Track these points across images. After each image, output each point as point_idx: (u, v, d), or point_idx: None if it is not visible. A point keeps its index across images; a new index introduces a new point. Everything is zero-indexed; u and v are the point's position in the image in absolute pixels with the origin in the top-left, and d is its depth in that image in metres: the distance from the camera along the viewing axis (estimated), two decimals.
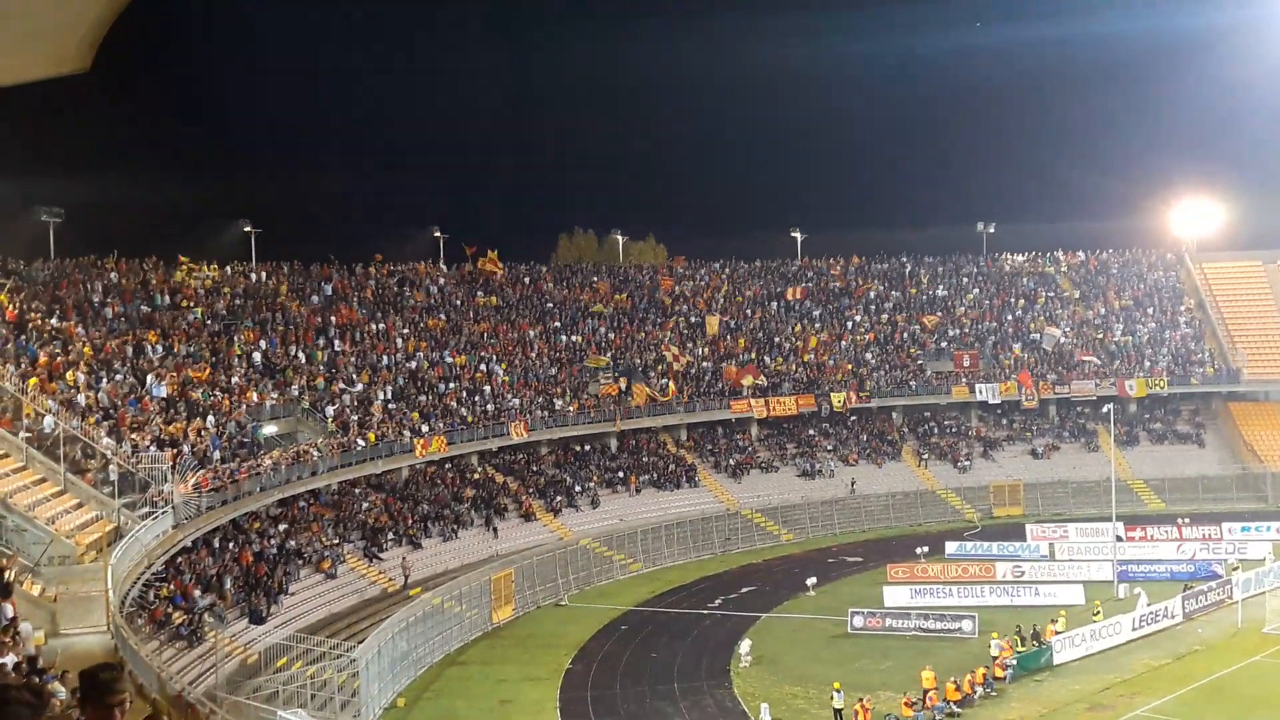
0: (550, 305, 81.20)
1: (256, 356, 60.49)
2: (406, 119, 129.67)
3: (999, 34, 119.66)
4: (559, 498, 67.13)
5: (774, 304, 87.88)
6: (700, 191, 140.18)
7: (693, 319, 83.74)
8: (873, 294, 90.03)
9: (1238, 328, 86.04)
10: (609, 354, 77.67)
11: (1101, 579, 56.38)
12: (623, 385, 74.16)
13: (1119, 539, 60.88)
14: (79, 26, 14.73)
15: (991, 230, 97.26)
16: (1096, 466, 75.78)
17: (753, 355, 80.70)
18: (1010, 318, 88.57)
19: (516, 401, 68.80)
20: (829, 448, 78.21)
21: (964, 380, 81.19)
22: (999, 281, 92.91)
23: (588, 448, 72.17)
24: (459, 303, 77.66)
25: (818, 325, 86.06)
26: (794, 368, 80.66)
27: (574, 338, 78.10)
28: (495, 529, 62.52)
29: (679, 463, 73.83)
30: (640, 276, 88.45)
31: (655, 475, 72.07)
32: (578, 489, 68.44)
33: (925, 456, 78.62)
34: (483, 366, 70.88)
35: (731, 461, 75.03)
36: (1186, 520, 66.68)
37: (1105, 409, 64.69)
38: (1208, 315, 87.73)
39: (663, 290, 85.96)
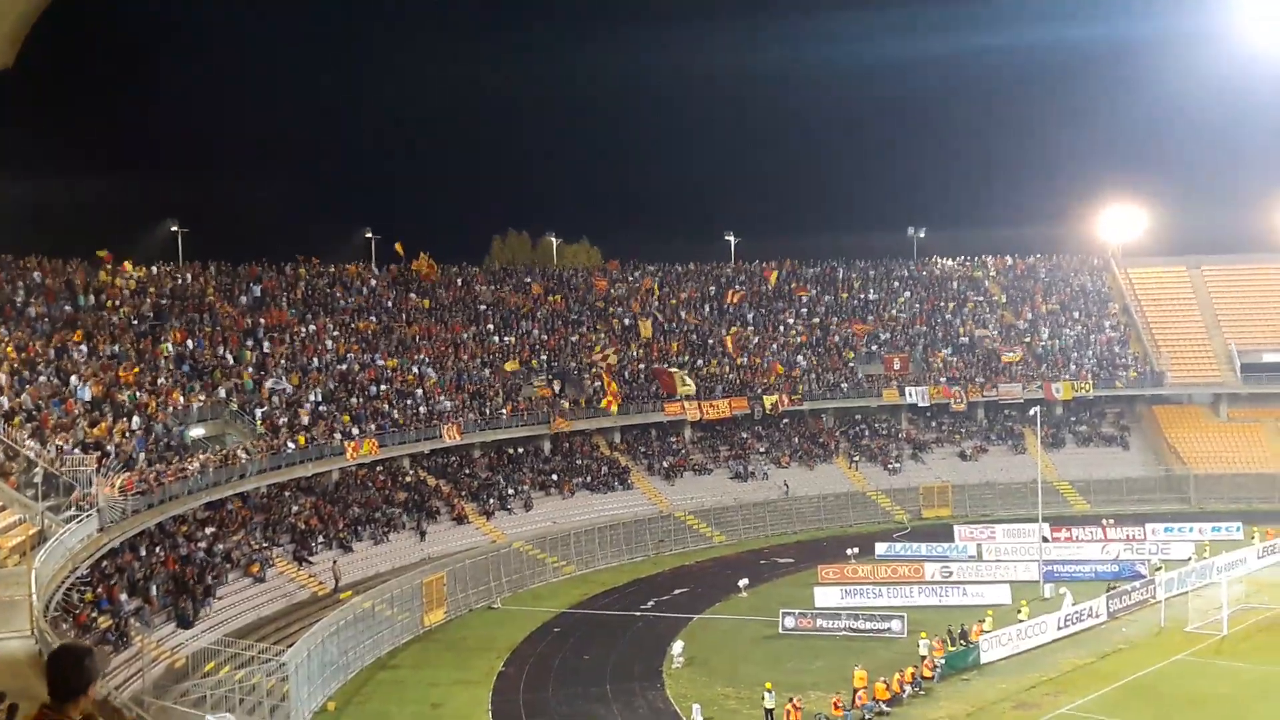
0: (483, 307, 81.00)
1: (183, 358, 59.89)
2: (340, 118, 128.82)
3: (932, 42, 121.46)
4: (492, 500, 67.04)
5: (707, 307, 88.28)
6: (635, 195, 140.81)
7: (626, 321, 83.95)
8: (805, 297, 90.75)
9: (1162, 332, 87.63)
10: (544, 354, 77.74)
11: (1028, 579, 57.17)
12: (556, 388, 74.13)
13: (1045, 540, 61.73)
14: (2, 24, 14.70)
15: (922, 235, 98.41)
16: (1023, 468, 76.75)
17: (685, 358, 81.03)
18: (940, 321, 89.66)
19: (449, 404, 68.63)
20: (762, 450, 78.63)
21: (894, 383, 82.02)
22: (929, 285, 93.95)
23: (521, 450, 72.09)
24: (391, 304, 77.34)
25: (750, 328, 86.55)
26: (727, 370, 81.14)
27: (507, 339, 77.96)
28: (423, 532, 62.30)
29: (612, 465, 73.92)
30: (574, 279, 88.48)
31: (589, 478, 72.12)
32: (511, 492, 68.33)
33: (856, 458, 79.31)
34: (415, 369, 70.62)
35: (665, 464, 75.28)
36: (1111, 521, 67.75)
37: (1032, 412, 65.24)
38: (1133, 320, 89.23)
39: (596, 292, 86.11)
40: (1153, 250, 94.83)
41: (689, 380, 77.43)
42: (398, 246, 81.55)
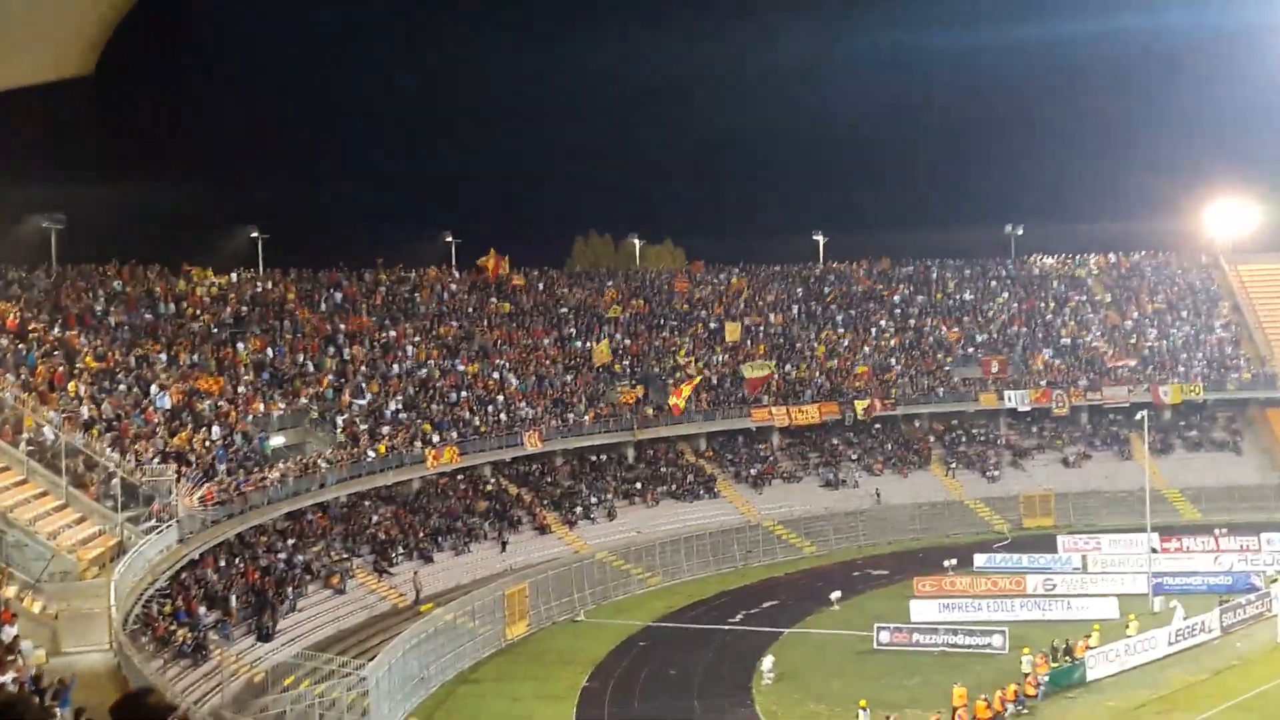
0: (565, 310, 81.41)
1: (263, 365, 60.73)
2: (417, 121, 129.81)
3: (1027, 30, 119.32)
4: (574, 510, 67.21)
5: (795, 308, 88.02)
6: (719, 194, 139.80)
7: (711, 325, 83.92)
8: (898, 298, 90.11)
9: (1276, 331, 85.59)
10: (627, 359, 77.92)
11: (1136, 592, 56.08)
12: (640, 393, 74.16)
13: (1154, 550, 60.55)
14: (83, 29, 14.76)
15: (1020, 232, 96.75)
16: (1130, 475, 74.76)
17: (773, 361, 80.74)
18: (1040, 322, 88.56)
19: (530, 410, 68.89)
20: (853, 457, 78.11)
21: (992, 387, 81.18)
22: (1028, 285, 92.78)
23: (604, 458, 72.22)
24: (471, 309, 77.87)
25: (841, 330, 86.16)
26: (816, 374, 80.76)
27: (589, 344, 78.31)
28: (505, 542, 62.58)
29: (698, 473, 73.86)
30: (658, 281, 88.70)
31: (673, 486, 72.09)
32: (593, 500, 68.47)
33: (953, 466, 78.54)
34: (495, 375, 71.02)
35: (752, 472, 75.04)
36: (1224, 531, 66.23)
37: (1138, 416, 64.24)
38: (1244, 319, 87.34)
39: (679, 295, 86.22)
40: (1265, 246, 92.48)
41: (763, 365, 77.70)
42: (486, 262, 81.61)
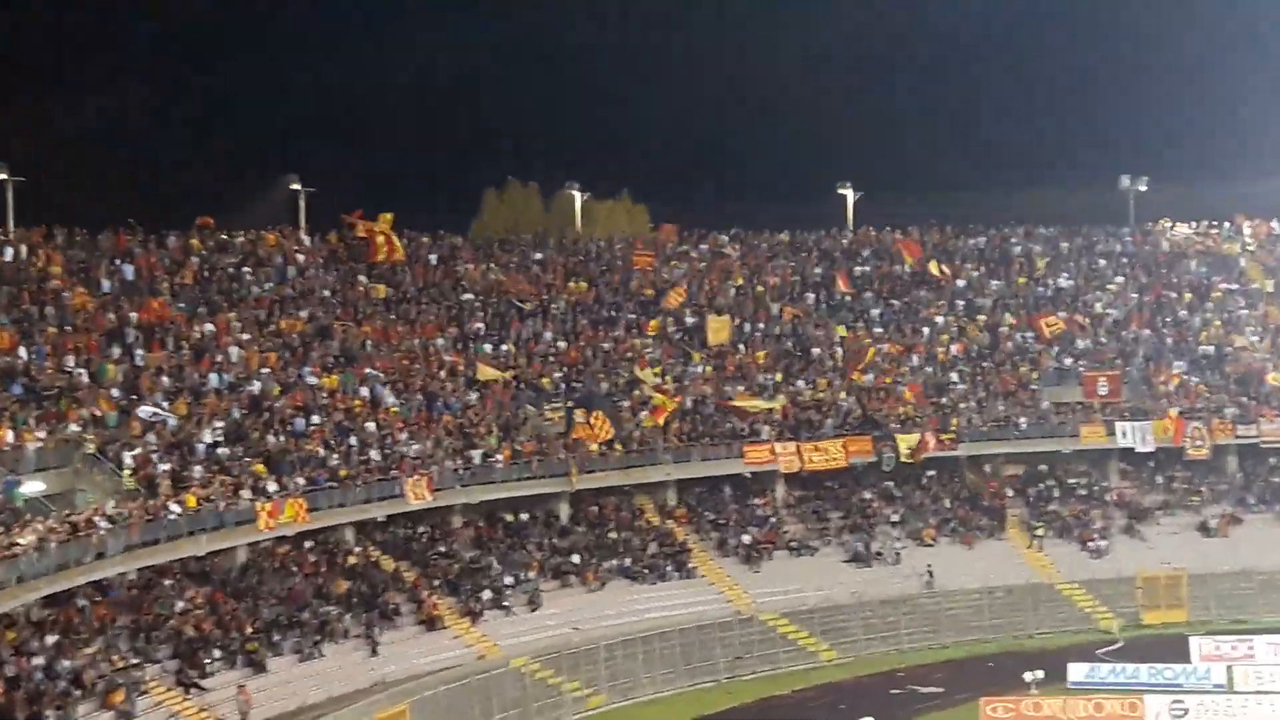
0: (470, 297, 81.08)
1: (12, 374, 59.93)
2: (249, 18, 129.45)
3: None
4: (480, 594, 66.81)
5: (811, 297, 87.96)
6: (700, 132, 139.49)
7: (688, 319, 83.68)
8: (962, 283, 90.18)
9: None
10: (561, 368, 77.68)
11: None
12: (586, 421, 73.77)
13: None
14: None
15: (1142, 188, 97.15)
16: None
17: (778, 375, 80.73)
18: (1170, 320, 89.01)
19: (416, 446, 68.58)
20: (894, 518, 78.18)
21: (1100, 416, 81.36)
22: (1153, 265, 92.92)
23: (525, 517, 71.93)
24: (329, 292, 77.39)
25: (879, 330, 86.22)
26: (841, 395, 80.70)
27: (505, 347, 77.89)
28: (376, 643, 62.02)
29: (664, 540, 73.67)
30: (608, 255, 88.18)
31: (628, 560, 71.76)
32: (509, 581, 68.06)
33: (1040, 532, 78.62)
34: (365, 391, 70.66)
35: (744, 539, 74.82)
36: None
37: None
38: None
39: (640, 274, 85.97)
40: None
41: (768, 400, 77.91)
42: (350, 220, 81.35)
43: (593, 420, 73.12)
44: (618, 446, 73.65)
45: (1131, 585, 75.91)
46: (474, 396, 74.01)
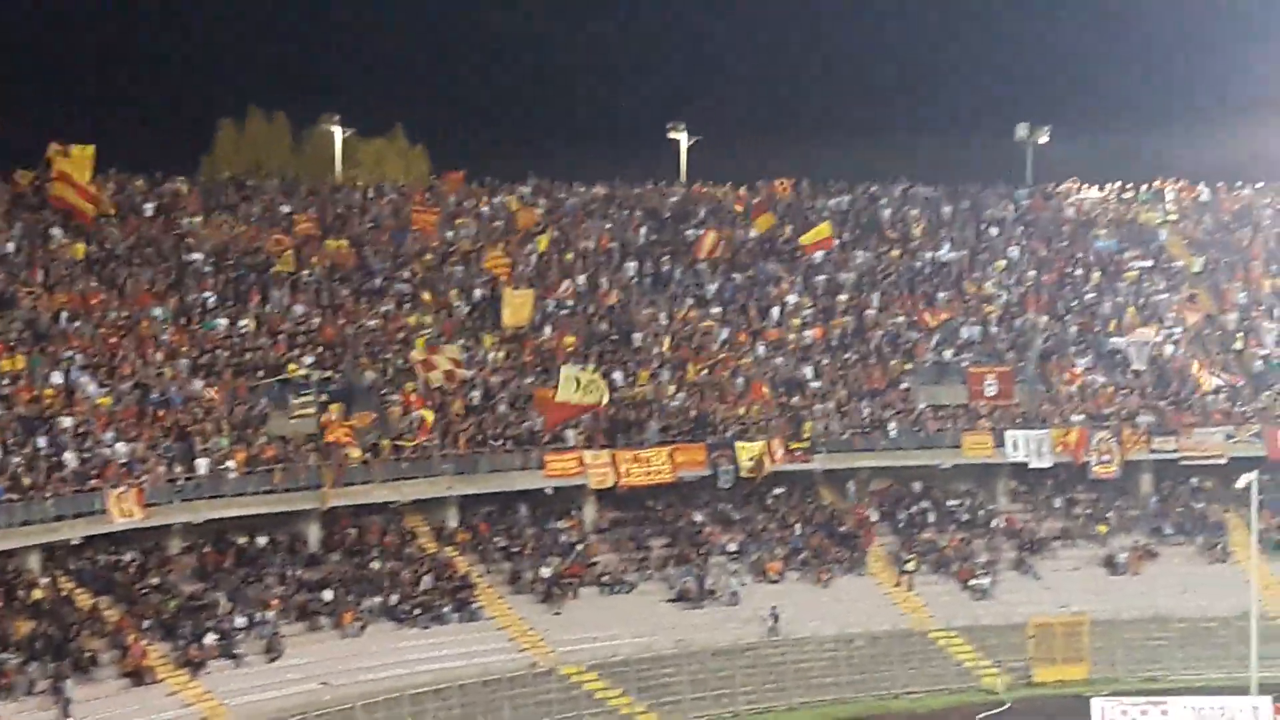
0: (197, 259, 79.73)
1: None
2: None
3: None
4: (202, 639, 65.48)
5: (632, 266, 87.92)
6: (495, 56, 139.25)
7: (477, 292, 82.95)
8: (821, 254, 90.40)
9: None
10: (314, 351, 76.49)
11: None
12: (338, 417, 72.80)
13: None
14: None
15: (1043, 140, 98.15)
16: (1224, 590, 76.92)
17: (592, 364, 79.96)
18: (1074, 303, 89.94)
19: (124, 448, 67.19)
20: (731, 548, 78.14)
21: (986, 422, 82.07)
22: (1053, 235, 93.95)
23: (264, 541, 71.00)
24: (13, 248, 76.09)
25: (716, 310, 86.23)
26: (669, 392, 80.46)
27: (244, 323, 76.70)
28: (67, 700, 60.25)
29: (442, 573, 73.00)
30: (377, 207, 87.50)
31: (395, 598, 70.97)
32: (241, 623, 66.95)
33: (911, 567, 78.92)
34: (58, 377, 69.22)
35: (544, 572, 74.36)
36: None
37: (1243, 483, 65.38)
38: None
39: (417, 233, 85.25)
40: None
41: (590, 380, 76.09)
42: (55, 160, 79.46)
43: (355, 420, 72.60)
44: (384, 451, 72.90)
45: (1022, 634, 76.12)
46: (199, 385, 72.66)
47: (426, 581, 72.06)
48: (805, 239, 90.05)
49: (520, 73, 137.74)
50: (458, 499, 75.57)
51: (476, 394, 77.59)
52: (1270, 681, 66.37)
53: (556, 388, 75.29)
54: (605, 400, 76.33)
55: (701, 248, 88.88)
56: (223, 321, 76.71)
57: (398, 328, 79.57)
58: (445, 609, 71.45)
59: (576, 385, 74.84)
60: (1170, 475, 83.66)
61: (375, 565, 72.12)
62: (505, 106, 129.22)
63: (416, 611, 70.91)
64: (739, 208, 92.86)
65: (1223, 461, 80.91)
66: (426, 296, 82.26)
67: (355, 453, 72.04)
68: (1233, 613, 73.67)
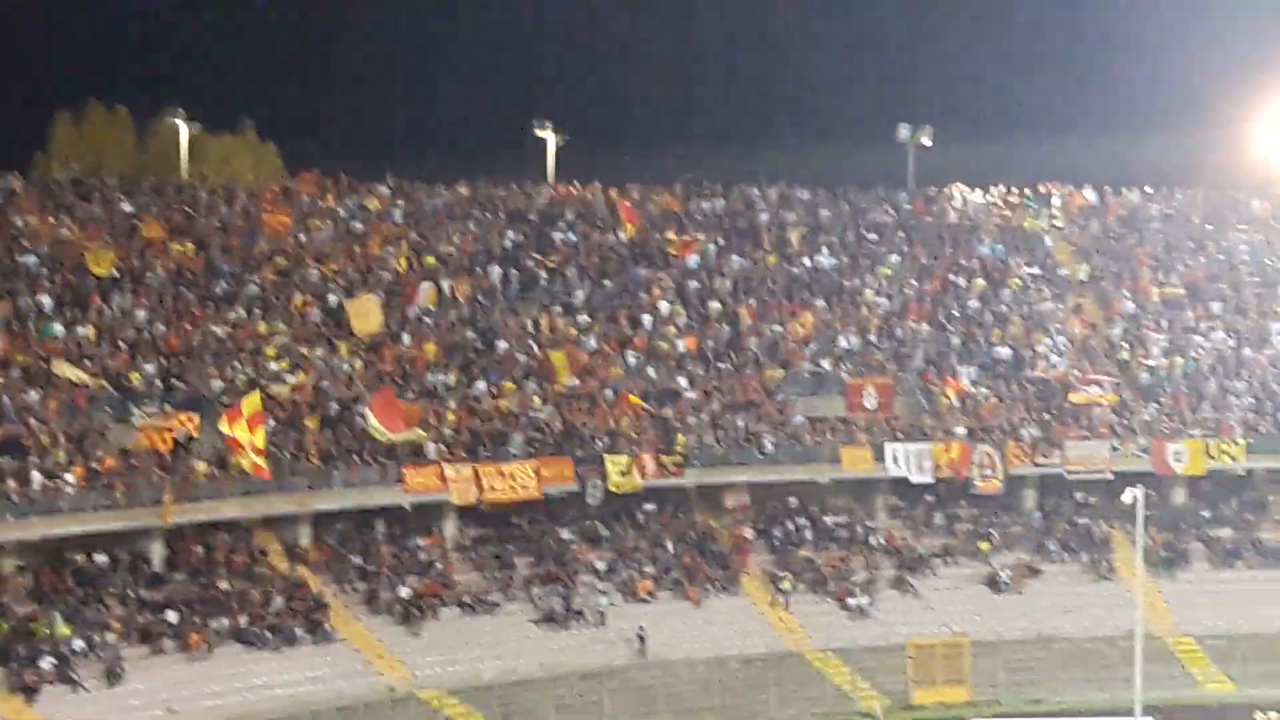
0: (32, 261, 78.94)
1: None
2: None
3: None
4: (38, 664, 64.34)
5: (498, 272, 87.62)
6: (352, 50, 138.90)
7: (332, 298, 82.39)
8: (696, 259, 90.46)
9: None
10: (157, 360, 75.74)
11: None
12: (188, 426, 72.31)
13: None
14: None
15: (926, 142, 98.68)
16: (1109, 609, 77.67)
17: (450, 373, 79.81)
18: (958, 312, 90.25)
19: None
20: (599, 566, 77.94)
21: (866, 436, 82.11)
22: (935, 241, 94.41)
23: (104, 560, 69.81)
24: None
25: (584, 319, 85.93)
26: (535, 403, 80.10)
27: (81, 330, 75.75)
28: None
29: (294, 593, 72.29)
30: (226, 208, 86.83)
31: (244, 619, 70.12)
32: (79, 646, 65.82)
33: (787, 586, 78.86)
34: None
35: (402, 592, 73.77)
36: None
37: (1129, 498, 65.49)
38: None
39: (266, 233, 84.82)
40: None
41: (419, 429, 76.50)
42: None
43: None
44: (232, 468, 71.97)
45: (901, 655, 76.26)
46: (34, 396, 71.63)
47: (278, 602, 71.18)
48: (676, 245, 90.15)
49: (380, 67, 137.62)
50: (311, 515, 74.77)
51: (333, 406, 76.85)
52: (1154, 703, 67.21)
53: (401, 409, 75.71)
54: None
55: (547, 255, 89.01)
56: (59, 328, 75.70)
57: (247, 335, 78.67)
58: (297, 631, 70.50)
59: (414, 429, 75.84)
60: (1055, 490, 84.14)
61: (223, 585, 71.07)
62: (363, 102, 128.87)
63: (267, 633, 69.93)
64: (617, 208, 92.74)
65: (1108, 476, 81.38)
66: (278, 302, 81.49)
67: (201, 466, 71.27)
68: (1118, 632, 74.19)
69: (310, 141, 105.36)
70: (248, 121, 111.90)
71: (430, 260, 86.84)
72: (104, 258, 79.23)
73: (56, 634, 65.63)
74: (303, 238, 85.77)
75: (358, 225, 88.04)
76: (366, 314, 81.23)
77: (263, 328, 79.30)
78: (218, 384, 75.46)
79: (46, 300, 77.02)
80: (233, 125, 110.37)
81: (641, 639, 74.43)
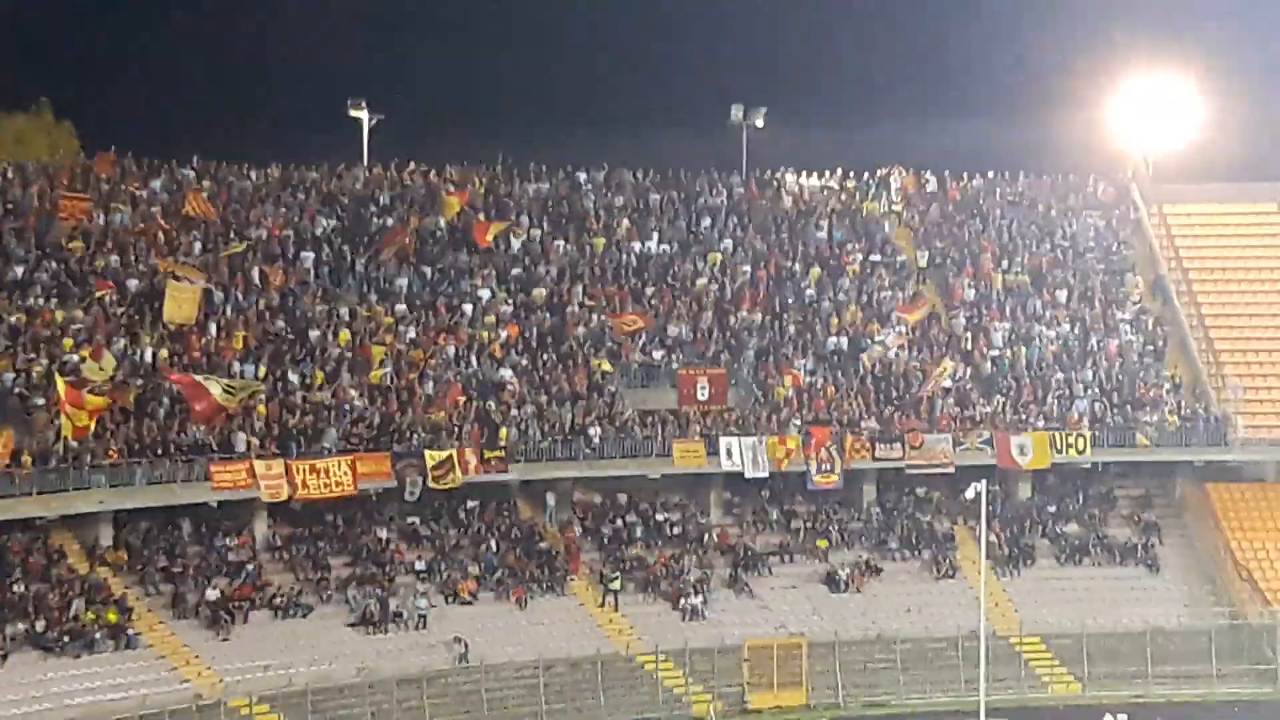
0: None
1: None
2: None
3: None
4: None
5: (310, 258, 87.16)
6: (156, 22, 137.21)
7: (133, 284, 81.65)
8: (517, 244, 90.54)
9: (1228, 336, 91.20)
10: None
11: None
12: None
13: None
14: None
15: (759, 124, 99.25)
16: (954, 608, 79.03)
17: (261, 364, 79.39)
18: (794, 301, 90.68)
19: None
20: (419, 566, 77.93)
21: (699, 429, 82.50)
22: (770, 226, 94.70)
23: None
24: None
25: (401, 307, 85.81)
26: (350, 395, 79.93)
27: None
28: None
29: (94, 596, 71.42)
30: (19, 191, 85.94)
31: (41, 624, 69.21)
32: None
33: (616, 585, 79.31)
34: None
35: (210, 595, 73.28)
36: None
37: (971, 494, 66.24)
38: (1174, 307, 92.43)
39: (59, 226, 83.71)
40: (1217, 173, 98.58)
41: (235, 390, 75.17)
42: None
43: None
44: (26, 461, 70.82)
45: (736, 657, 77.02)
46: None
47: (77, 605, 70.12)
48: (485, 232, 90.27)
49: (184, 43, 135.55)
50: (111, 514, 73.69)
51: (136, 395, 75.65)
52: (999, 705, 68.86)
53: (205, 386, 73.93)
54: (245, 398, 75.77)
55: (363, 241, 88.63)
56: None
57: (44, 324, 77.48)
58: (98, 636, 69.60)
59: (223, 390, 74.41)
60: (895, 485, 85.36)
61: (18, 588, 69.96)
62: (166, 80, 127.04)
63: (65, 639, 68.97)
64: (436, 188, 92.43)
65: (950, 470, 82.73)
66: (76, 290, 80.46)
67: None
68: (961, 632, 75.82)
69: (110, 121, 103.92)
70: (43, 100, 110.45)
71: (238, 247, 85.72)
72: None
73: None
74: (102, 221, 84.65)
75: (157, 209, 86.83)
76: (184, 301, 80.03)
77: (59, 316, 78.04)
78: (8, 376, 74.39)
79: None
80: (26, 104, 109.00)
81: (464, 645, 74.59)
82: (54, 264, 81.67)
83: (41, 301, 79.18)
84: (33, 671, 67.88)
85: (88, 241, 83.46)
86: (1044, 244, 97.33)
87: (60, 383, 70.53)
